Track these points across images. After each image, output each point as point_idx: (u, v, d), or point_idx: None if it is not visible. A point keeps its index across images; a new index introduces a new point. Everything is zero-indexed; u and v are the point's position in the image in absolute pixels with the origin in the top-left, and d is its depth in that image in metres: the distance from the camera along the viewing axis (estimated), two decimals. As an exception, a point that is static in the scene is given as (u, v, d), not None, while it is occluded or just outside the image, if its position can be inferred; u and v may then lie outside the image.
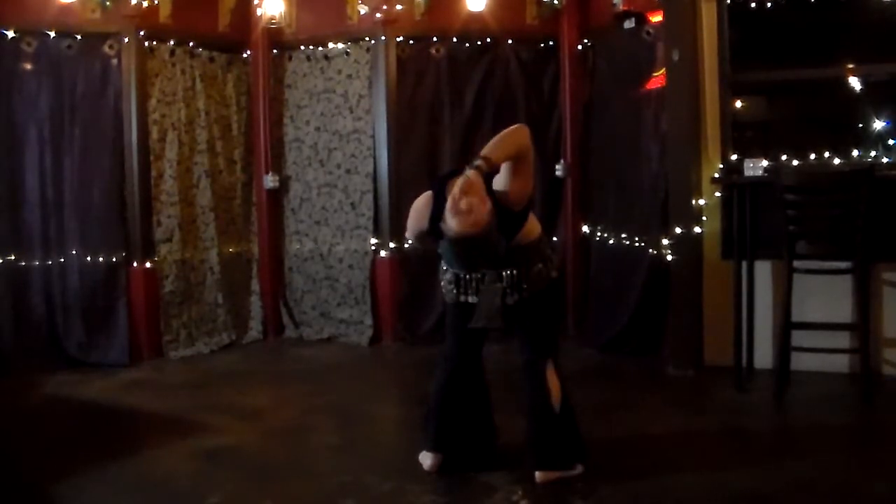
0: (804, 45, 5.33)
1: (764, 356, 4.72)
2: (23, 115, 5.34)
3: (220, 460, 3.65)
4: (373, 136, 6.00)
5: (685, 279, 4.88)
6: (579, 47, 5.97)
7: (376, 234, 6.03)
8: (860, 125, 6.71)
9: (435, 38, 6.00)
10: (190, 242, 5.89)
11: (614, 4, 5.39)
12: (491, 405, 3.60)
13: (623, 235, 5.43)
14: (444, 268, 3.38)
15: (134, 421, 4.40)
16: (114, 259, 5.51)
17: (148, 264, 5.59)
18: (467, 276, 3.28)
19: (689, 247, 4.86)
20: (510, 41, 5.94)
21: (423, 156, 6.02)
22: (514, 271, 3.23)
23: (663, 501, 3.10)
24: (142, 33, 5.51)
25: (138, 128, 5.51)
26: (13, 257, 5.33)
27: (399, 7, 5.84)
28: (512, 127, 3.08)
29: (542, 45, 6.07)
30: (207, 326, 5.96)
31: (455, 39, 5.98)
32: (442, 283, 3.43)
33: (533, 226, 3.29)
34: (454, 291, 3.35)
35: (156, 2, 5.56)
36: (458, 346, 3.47)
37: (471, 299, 3.29)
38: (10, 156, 5.32)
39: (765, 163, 4.66)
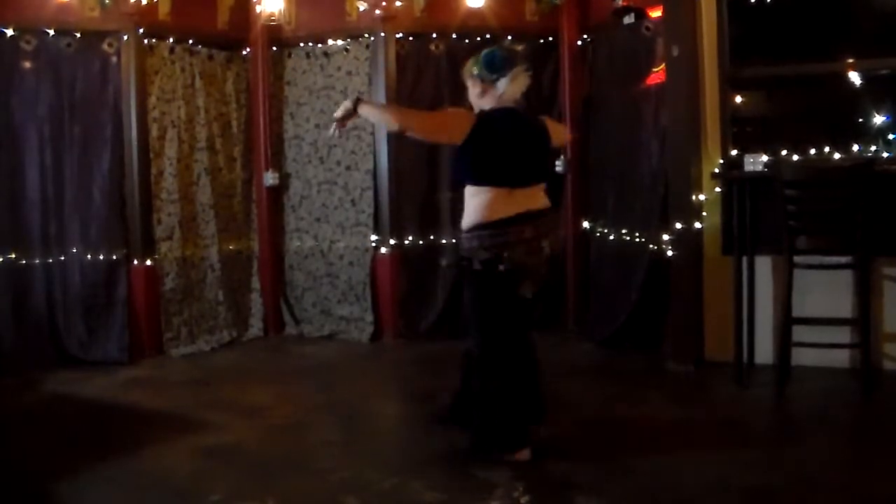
0: (804, 40, 5.32)
1: (764, 351, 4.72)
2: (22, 114, 5.34)
3: (221, 457, 3.66)
4: (373, 133, 6.00)
5: (685, 274, 4.88)
6: (579, 43, 5.96)
7: (377, 230, 6.03)
8: (860, 120, 6.69)
9: (434, 35, 6.00)
10: (190, 240, 5.89)
11: (614, 0, 5.38)
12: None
13: (623, 231, 5.43)
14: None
15: (135, 419, 4.39)
16: (114, 257, 5.51)
17: (148, 262, 5.59)
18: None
19: (689, 242, 4.86)
20: (510, 37, 5.94)
21: (423, 152, 6.01)
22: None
23: (663, 496, 3.11)
24: (141, 31, 5.51)
25: (138, 125, 5.51)
26: (13, 256, 5.33)
27: (398, 3, 5.83)
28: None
29: (542, 40, 6.06)
30: (208, 324, 5.96)
31: (454, 36, 5.98)
32: None
33: (480, 203, 3.39)
34: None
35: (155, 0, 5.56)
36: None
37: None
38: (9, 154, 5.32)
39: (765, 158, 4.66)
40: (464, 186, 3.49)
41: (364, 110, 3.49)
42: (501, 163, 3.39)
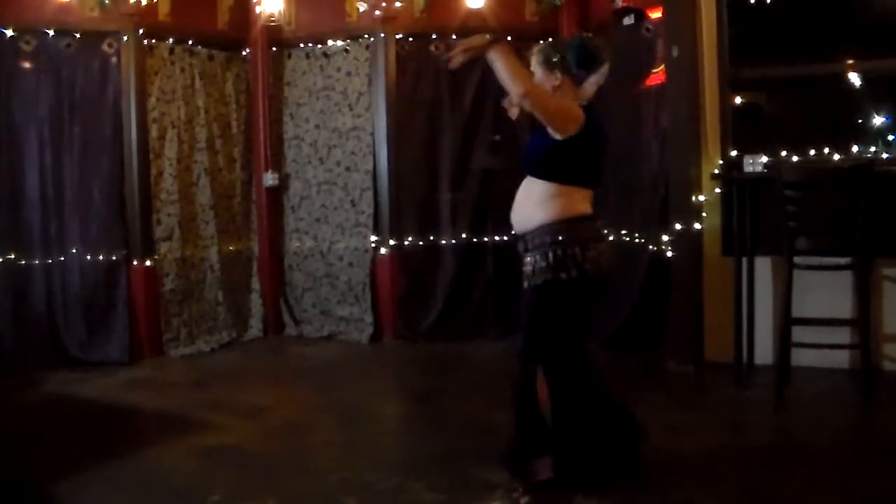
0: (804, 40, 5.32)
1: (764, 352, 4.73)
2: (22, 114, 5.34)
3: (220, 458, 3.65)
4: (372, 134, 6.01)
5: (685, 275, 4.88)
6: (579, 44, 5.96)
7: (376, 231, 6.03)
8: (860, 121, 6.69)
9: (434, 36, 6.00)
10: (190, 240, 5.89)
11: (614, 1, 5.38)
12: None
13: (623, 232, 5.43)
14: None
15: (134, 419, 4.40)
16: (114, 257, 5.51)
17: (148, 262, 5.59)
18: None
19: (689, 243, 4.86)
20: (509, 38, 5.90)
21: (423, 153, 6.02)
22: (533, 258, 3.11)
23: (664, 498, 3.10)
24: (141, 31, 5.51)
25: (138, 126, 5.51)
26: (13, 256, 5.33)
27: (398, 4, 5.84)
28: None
29: (542, 41, 6.04)
30: (208, 324, 5.96)
31: (454, 36, 5.95)
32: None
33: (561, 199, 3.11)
34: None
35: (154, 0, 5.56)
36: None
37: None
38: (9, 155, 5.32)
39: (764, 159, 4.66)
40: (536, 177, 3.18)
41: (496, 56, 3.00)
42: (592, 165, 3.20)
